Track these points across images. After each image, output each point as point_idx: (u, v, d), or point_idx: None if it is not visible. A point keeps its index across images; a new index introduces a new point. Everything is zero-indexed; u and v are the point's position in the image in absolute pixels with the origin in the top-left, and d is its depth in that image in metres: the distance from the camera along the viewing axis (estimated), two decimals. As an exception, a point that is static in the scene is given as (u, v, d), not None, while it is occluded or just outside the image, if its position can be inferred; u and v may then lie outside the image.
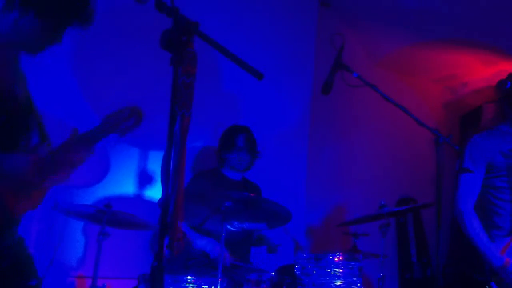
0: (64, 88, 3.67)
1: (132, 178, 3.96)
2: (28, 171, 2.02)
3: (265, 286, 2.94)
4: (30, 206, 2.11)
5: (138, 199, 3.96)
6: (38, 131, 2.25)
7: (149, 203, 3.93)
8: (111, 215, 3.00)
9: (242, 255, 3.83)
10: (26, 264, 2.22)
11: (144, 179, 3.99)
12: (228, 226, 2.98)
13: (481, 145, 3.16)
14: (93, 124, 3.74)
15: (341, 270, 2.96)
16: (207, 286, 2.83)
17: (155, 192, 3.96)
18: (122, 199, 3.81)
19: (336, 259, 2.97)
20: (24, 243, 2.23)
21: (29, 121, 2.22)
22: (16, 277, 2.16)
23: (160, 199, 1.60)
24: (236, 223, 3.06)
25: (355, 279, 2.97)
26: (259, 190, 4.05)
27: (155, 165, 4.01)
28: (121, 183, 3.88)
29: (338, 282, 2.93)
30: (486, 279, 3.06)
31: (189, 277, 2.85)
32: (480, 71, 5.88)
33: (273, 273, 3.06)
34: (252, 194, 3.08)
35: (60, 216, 3.23)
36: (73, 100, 3.71)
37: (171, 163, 1.60)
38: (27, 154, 2.07)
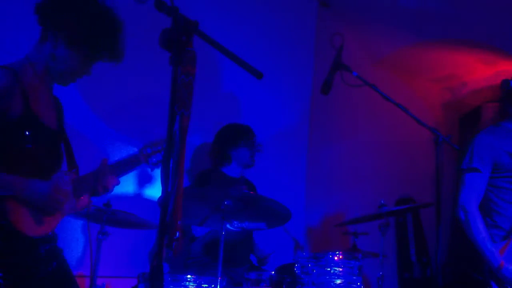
0: (61, 88, 3.66)
1: (132, 177, 3.96)
2: (46, 198, 2.05)
3: (264, 285, 2.94)
4: (43, 231, 2.14)
5: (138, 198, 3.96)
6: (67, 159, 2.30)
7: (149, 202, 3.93)
8: (110, 214, 3.00)
9: (243, 256, 3.84)
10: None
11: (144, 178, 3.99)
12: (228, 225, 2.98)
13: (488, 144, 3.16)
14: (91, 123, 3.74)
15: (341, 269, 2.96)
16: (206, 285, 2.84)
17: (154, 191, 3.96)
18: (121, 198, 3.80)
19: (336, 258, 2.98)
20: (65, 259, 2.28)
21: (59, 148, 2.25)
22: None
23: (160, 198, 1.60)
24: (236, 222, 3.06)
25: (354, 278, 2.97)
26: (254, 188, 4.07)
27: (154, 164, 4.00)
28: (121, 182, 3.88)
29: (338, 281, 2.93)
30: (485, 279, 3.06)
31: (188, 276, 2.85)
32: (479, 71, 5.89)
33: (273, 272, 3.06)
34: (252, 192, 3.08)
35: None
36: (71, 99, 3.70)
37: (171, 162, 1.61)
38: (49, 181, 2.09)
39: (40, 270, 2.11)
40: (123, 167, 2.32)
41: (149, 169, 2.43)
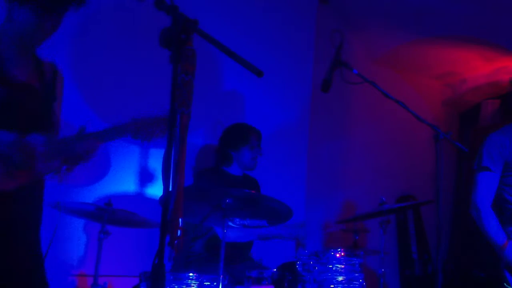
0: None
1: (133, 176, 3.96)
2: (12, 149, 2.02)
3: (266, 282, 2.95)
4: (14, 184, 2.09)
5: (139, 197, 3.96)
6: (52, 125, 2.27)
7: (150, 200, 3.94)
8: (111, 213, 3.00)
9: (242, 253, 3.84)
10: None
11: (145, 177, 3.99)
12: (229, 223, 2.99)
13: (499, 143, 3.18)
14: (90, 121, 3.73)
15: (342, 266, 2.97)
16: (208, 283, 2.84)
17: (155, 190, 3.96)
18: (122, 197, 3.81)
19: (337, 255, 2.98)
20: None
21: (45, 109, 2.23)
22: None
23: (161, 197, 1.61)
24: (237, 220, 3.06)
25: (356, 275, 2.98)
26: (257, 184, 4.06)
27: (155, 162, 4.01)
28: (122, 181, 3.89)
29: (340, 278, 2.93)
30: (488, 275, 3.07)
31: (190, 274, 2.85)
32: (479, 67, 5.89)
33: (275, 270, 3.06)
34: (253, 191, 3.08)
35: (61, 215, 3.24)
36: (70, 99, 3.70)
37: (172, 161, 1.61)
38: (18, 132, 2.06)
39: None
40: (102, 135, 2.22)
41: (140, 141, 2.31)
